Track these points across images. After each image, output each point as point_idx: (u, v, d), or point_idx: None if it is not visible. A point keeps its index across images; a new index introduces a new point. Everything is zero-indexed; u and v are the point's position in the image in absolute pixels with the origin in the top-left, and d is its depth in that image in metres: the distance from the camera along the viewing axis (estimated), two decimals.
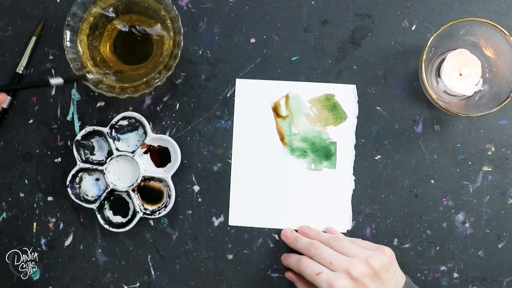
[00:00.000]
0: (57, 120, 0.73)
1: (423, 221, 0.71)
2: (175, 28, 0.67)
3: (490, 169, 0.70)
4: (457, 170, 0.71)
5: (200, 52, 0.72)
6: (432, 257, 0.70)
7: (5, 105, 0.72)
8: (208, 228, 0.72)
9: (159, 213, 0.71)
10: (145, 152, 0.72)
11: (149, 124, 0.72)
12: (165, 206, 0.71)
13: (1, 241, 0.73)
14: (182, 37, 0.66)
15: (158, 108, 0.72)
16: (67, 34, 0.67)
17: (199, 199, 0.72)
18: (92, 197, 0.72)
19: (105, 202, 0.72)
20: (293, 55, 0.72)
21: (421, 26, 0.71)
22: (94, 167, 0.71)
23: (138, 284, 0.72)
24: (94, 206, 0.71)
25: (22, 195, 0.73)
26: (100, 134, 0.72)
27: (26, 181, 0.73)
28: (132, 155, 0.71)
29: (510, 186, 0.70)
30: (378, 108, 0.71)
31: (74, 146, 0.71)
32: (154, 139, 0.71)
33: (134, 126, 0.72)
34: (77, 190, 0.72)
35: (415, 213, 0.71)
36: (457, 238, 0.70)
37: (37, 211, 0.73)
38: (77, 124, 0.73)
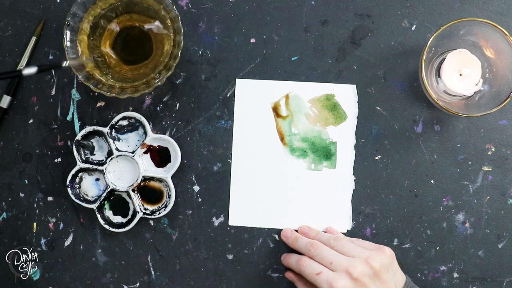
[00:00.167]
0: (57, 120, 0.73)
1: (423, 221, 0.71)
2: (175, 28, 0.67)
3: (490, 169, 0.70)
4: (457, 170, 0.71)
5: (200, 52, 0.72)
6: (432, 257, 0.70)
7: (5, 105, 0.72)
8: (208, 228, 0.72)
9: (159, 213, 0.71)
10: (145, 152, 0.72)
11: (149, 124, 0.72)
12: (165, 206, 0.71)
13: (1, 241, 0.73)
14: (182, 37, 0.66)
15: (158, 108, 0.72)
16: (67, 34, 0.67)
17: (199, 199, 0.72)
18: (92, 197, 0.72)
19: (105, 202, 0.72)
20: (293, 55, 0.72)
21: (421, 26, 0.71)
22: (94, 167, 0.71)
23: (138, 284, 0.72)
24: (94, 206, 0.71)
25: (22, 195, 0.73)
26: (100, 134, 0.72)
27: (26, 181, 0.73)
28: (132, 155, 0.71)
29: (510, 186, 0.70)
30: (378, 108, 0.71)
31: (74, 146, 0.71)
32: (154, 139, 0.71)
33: (134, 126, 0.72)
34: (77, 190, 0.72)
35: (415, 213, 0.71)
36: (457, 238, 0.70)
37: (37, 211, 0.73)
38: (77, 124, 0.73)
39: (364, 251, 0.64)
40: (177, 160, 0.71)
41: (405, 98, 0.71)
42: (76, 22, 0.67)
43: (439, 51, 0.69)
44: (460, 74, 0.67)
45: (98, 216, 0.71)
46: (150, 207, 0.72)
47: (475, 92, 0.68)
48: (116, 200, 0.72)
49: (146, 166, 0.72)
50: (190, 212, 0.72)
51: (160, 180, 0.72)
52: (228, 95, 0.72)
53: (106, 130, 0.71)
